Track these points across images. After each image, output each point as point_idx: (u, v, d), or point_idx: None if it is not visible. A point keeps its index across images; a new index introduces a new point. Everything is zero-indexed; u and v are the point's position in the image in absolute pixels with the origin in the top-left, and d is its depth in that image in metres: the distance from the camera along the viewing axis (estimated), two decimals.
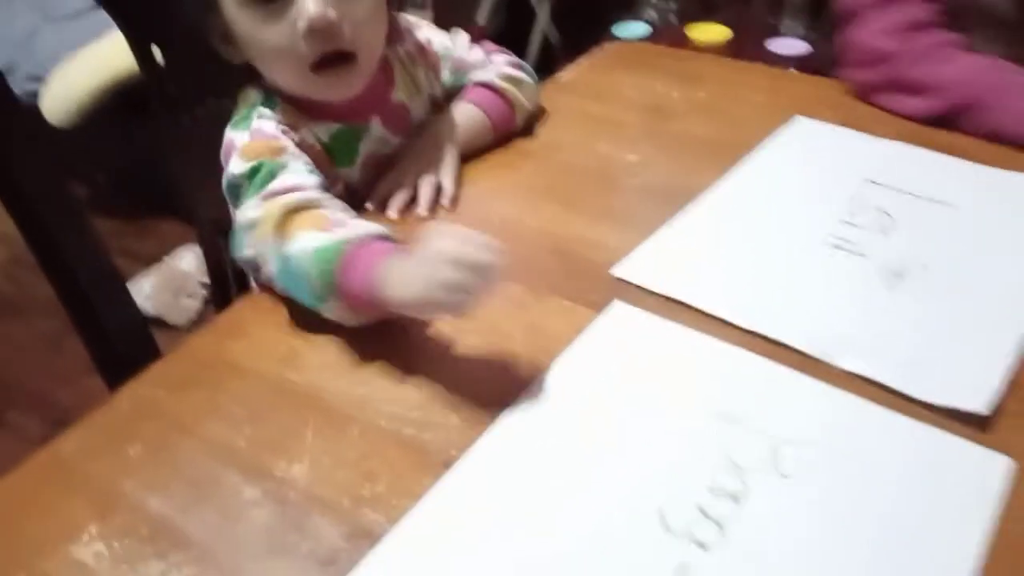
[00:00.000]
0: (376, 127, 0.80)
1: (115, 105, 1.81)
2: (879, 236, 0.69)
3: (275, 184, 0.66)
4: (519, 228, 0.74)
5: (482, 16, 2.06)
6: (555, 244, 0.71)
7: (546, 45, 2.15)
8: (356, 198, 0.76)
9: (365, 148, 0.80)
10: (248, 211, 0.66)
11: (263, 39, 0.71)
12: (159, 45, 0.91)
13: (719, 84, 0.96)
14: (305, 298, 0.62)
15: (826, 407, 0.54)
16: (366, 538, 0.48)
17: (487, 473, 0.51)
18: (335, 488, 0.51)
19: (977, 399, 0.53)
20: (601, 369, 0.58)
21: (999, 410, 0.53)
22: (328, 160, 0.76)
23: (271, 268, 0.64)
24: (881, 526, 0.47)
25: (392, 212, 0.75)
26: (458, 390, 0.57)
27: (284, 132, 0.72)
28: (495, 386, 0.57)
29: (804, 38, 1.90)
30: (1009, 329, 0.58)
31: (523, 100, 0.87)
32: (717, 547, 0.46)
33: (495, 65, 0.88)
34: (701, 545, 0.46)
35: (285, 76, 0.74)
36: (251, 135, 0.71)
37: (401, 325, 0.62)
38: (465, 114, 0.83)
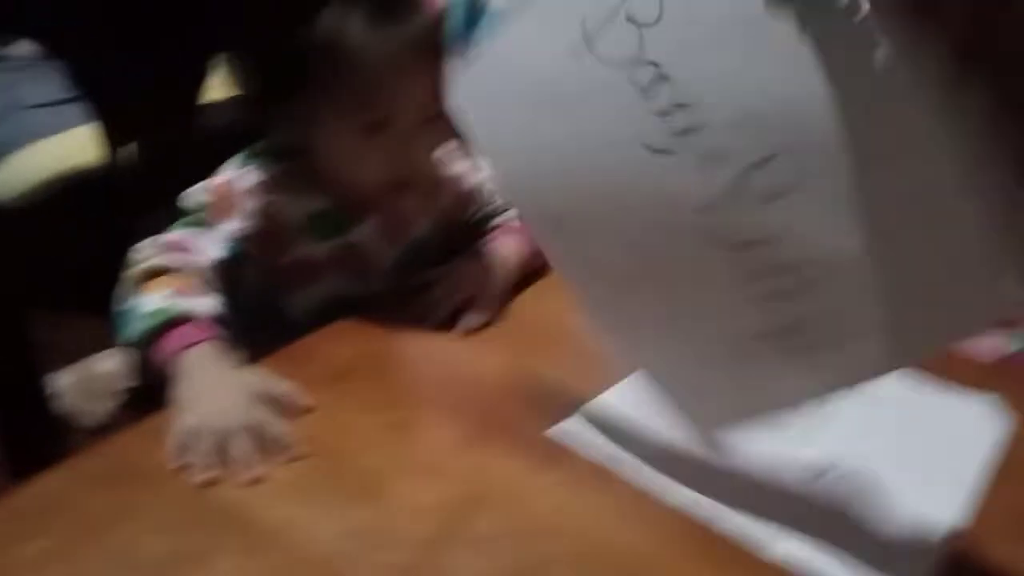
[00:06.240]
0: (369, 227, 0.82)
1: (67, 199, 1.78)
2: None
3: (176, 236, 0.72)
4: None
5: None
6: None
7: None
8: (306, 269, 0.80)
9: (351, 237, 0.81)
10: (135, 252, 0.71)
11: (351, 152, 0.75)
12: (139, 142, 0.92)
13: None
14: (124, 340, 0.67)
15: None
16: None
17: None
18: None
19: None
20: None
21: None
22: (284, 232, 0.78)
23: (122, 304, 0.69)
24: None
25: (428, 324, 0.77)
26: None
27: (255, 193, 0.77)
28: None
29: None
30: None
31: None
32: None
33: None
34: None
35: (345, 177, 0.77)
36: (228, 181, 0.77)
37: (338, 448, 0.61)
38: (510, 248, 0.85)
